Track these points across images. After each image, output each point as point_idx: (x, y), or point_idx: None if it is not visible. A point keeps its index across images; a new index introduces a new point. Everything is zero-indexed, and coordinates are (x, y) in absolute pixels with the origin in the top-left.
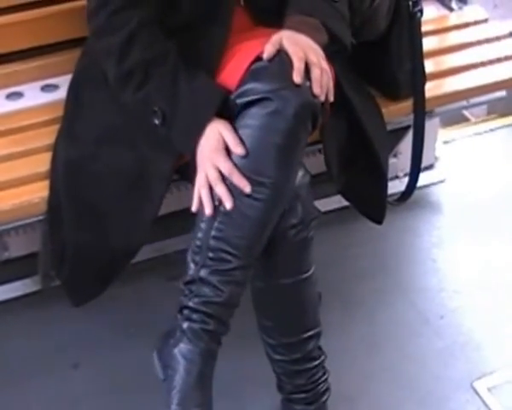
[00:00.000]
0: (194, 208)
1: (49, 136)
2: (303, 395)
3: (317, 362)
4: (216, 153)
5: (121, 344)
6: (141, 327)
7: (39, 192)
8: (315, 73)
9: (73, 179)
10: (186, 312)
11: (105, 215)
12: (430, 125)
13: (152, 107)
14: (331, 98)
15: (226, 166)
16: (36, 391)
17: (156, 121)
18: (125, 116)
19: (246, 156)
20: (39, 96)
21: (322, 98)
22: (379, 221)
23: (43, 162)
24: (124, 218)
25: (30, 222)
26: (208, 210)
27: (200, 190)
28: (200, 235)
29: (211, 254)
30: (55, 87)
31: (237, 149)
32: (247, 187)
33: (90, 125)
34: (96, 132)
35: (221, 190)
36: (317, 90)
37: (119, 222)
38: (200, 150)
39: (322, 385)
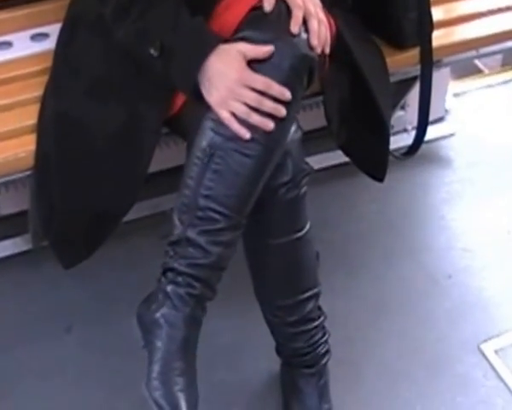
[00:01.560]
0: (246, 136)
1: (38, 87)
2: (302, 358)
3: (315, 323)
4: (243, 72)
5: (113, 306)
6: (133, 288)
7: (26, 146)
8: (312, 24)
9: (62, 134)
10: (170, 274)
11: (94, 172)
12: (439, 76)
13: (151, 37)
14: (327, 50)
15: (262, 82)
16: (28, 355)
17: (154, 52)
18: (117, 67)
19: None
20: (29, 45)
21: (319, 50)
22: (380, 179)
23: (30, 115)
24: (114, 175)
25: (19, 178)
26: (247, 135)
27: (247, 119)
28: (187, 192)
29: (199, 213)
30: (45, 36)
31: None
32: (288, 94)
33: (80, 77)
34: (87, 84)
35: (257, 119)
36: (314, 41)
37: (109, 179)
38: (219, 76)
39: (321, 347)
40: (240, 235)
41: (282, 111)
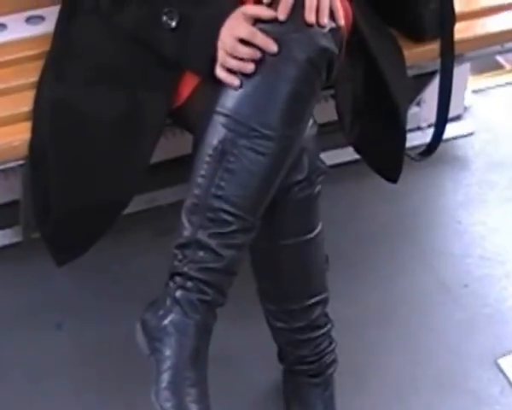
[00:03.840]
0: (234, 83)
1: (33, 72)
2: (307, 367)
3: (322, 331)
4: (235, 20)
5: (107, 304)
6: (129, 286)
7: (20, 134)
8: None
9: (60, 122)
10: (179, 279)
11: (93, 163)
12: (459, 71)
13: (166, 8)
14: (342, 22)
15: (247, 31)
16: (16, 350)
17: (172, 23)
18: (120, 53)
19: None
20: (23, 28)
21: (326, 24)
22: (394, 179)
23: (25, 101)
24: (114, 165)
25: (10, 167)
26: (250, 66)
27: (223, 66)
28: (197, 192)
29: (210, 215)
30: (40, 19)
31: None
32: (272, 46)
33: (81, 62)
34: (87, 71)
35: (233, 63)
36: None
37: (109, 171)
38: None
39: (328, 356)
40: (252, 237)
41: (269, 45)
